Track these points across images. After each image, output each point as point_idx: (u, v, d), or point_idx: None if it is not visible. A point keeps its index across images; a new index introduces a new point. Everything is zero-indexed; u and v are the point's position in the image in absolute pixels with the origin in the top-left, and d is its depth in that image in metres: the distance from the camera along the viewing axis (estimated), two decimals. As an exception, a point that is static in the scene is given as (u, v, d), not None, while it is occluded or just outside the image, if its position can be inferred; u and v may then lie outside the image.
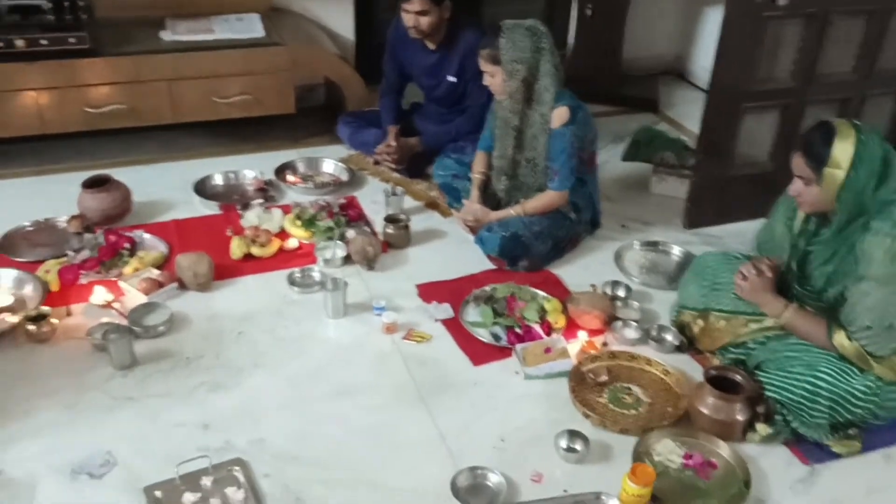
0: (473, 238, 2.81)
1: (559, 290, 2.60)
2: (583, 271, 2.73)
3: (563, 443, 1.99)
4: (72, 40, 2.99)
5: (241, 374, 2.20)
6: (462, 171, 2.99)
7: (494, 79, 2.66)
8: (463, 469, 1.89)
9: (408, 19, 3.00)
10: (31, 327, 2.26)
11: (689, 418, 2.09)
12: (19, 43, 2.94)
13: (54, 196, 2.94)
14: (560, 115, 2.63)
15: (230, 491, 1.83)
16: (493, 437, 2.04)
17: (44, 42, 2.96)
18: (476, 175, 2.88)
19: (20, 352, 2.24)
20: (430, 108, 3.35)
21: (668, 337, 2.40)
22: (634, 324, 2.43)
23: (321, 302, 2.46)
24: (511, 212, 2.74)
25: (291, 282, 2.58)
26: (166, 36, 3.24)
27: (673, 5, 4.30)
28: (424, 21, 2.99)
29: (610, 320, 2.44)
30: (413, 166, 3.24)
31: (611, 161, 3.45)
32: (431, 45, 3.13)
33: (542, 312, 2.45)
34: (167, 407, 2.08)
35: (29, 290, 2.45)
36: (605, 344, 2.39)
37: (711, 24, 4.09)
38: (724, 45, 2.69)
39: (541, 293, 2.53)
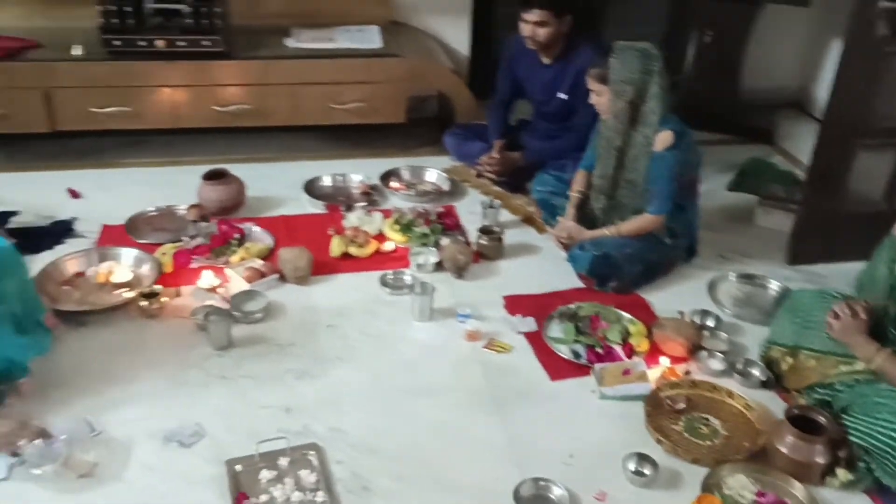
0: (566, 255, 2.83)
1: (646, 315, 2.58)
2: (673, 298, 2.69)
3: (632, 465, 1.99)
4: (206, 43, 3.23)
5: (327, 364, 2.32)
6: (560, 188, 3.01)
7: (601, 98, 2.68)
8: (527, 479, 1.92)
9: (525, 29, 3.06)
10: (144, 303, 2.45)
11: (766, 455, 2.03)
12: (160, 43, 3.20)
13: (178, 185, 3.16)
14: (664, 138, 2.62)
15: (304, 473, 1.93)
16: (562, 451, 2.05)
17: (181, 43, 3.21)
18: (574, 193, 2.90)
19: (131, 325, 2.44)
20: (539, 124, 3.39)
21: (755, 371, 2.34)
22: (720, 355, 2.39)
23: (409, 304, 2.55)
24: (605, 232, 2.74)
25: (384, 283, 2.68)
26: (291, 43, 3.44)
27: (797, 35, 4.16)
28: (542, 32, 3.03)
29: (695, 349, 2.41)
30: (514, 181, 3.29)
31: (716, 190, 3.38)
32: (547, 60, 3.17)
33: (626, 334, 2.44)
34: (256, 388, 2.21)
35: (146, 269, 2.66)
36: (687, 372, 2.35)
37: (836, 54, 3.94)
38: (841, 78, 2.61)
39: (626, 315, 2.52)
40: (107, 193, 3.17)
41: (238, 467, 1.94)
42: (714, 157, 3.56)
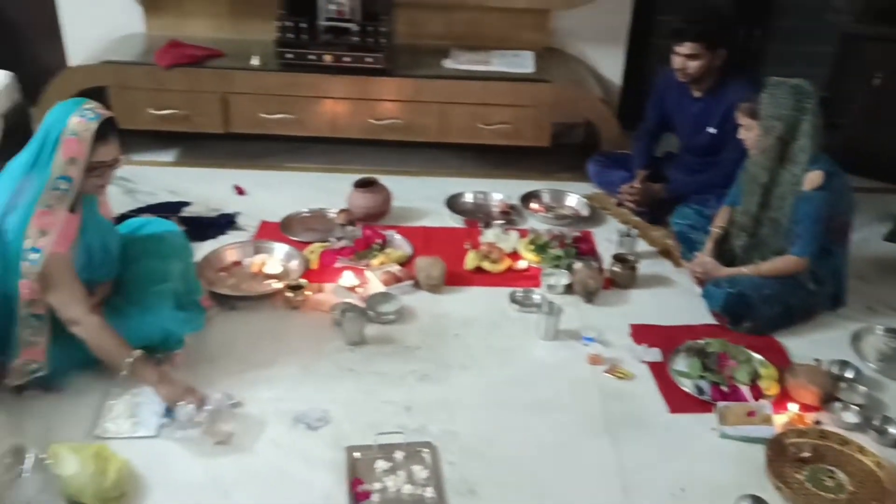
0: (701, 291, 2.79)
1: (780, 359, 2.49)
2: (812, 345, 2.58)
3: (745, 507, 1.94)
4: (369, 60, 3.44)
5: (449, 370, 2.40)
6: (700, 222, 2.97)
7: (749, 133, 2.64)
8: (634, 506, 1.93)
9: (676, 61, 3.06)
10: (289, 294, 2.65)
11: (894, 518, 1.93)
12: (327, 58, 3.44)
13: (331, 190, 3.38)
14: (813, 178, 2.54)
15: (416, 468, 2.02)
16: (673, 484, 2.03)
17: (347, 59, 3.44)
18: (715, 228, 2.85)
19: (276, 313, 2.63)
20: (685, 157, 3.36)
21: (892, 430, 2.21)
22: (856, 408, 2.27)
23: (535, 322, 2.59)
24: (744, 270, 2.68)
25: (513, 299, 2.74)
26: (448, 63, 3.60)
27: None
28: (693, 65, 3.02)
29: (828, 399, 2.30)
30: (655, 213, 3.26)
31: (871, 239, 3.21)
32: (697, 93, 3.15)
33: (755, 376, 2.38)
34: (381, 384, 2.33)
35: (294, 264, 2.86)
36: (817, 422, 2.25)
37: None
38: None
39: (757, 357, 2.45)
40: (268, 192, 3.43)
41: (356, 454, 2.06)
42: (872, 205, 3.39)
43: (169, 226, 2.60)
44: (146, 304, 2.25)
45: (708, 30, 2.97)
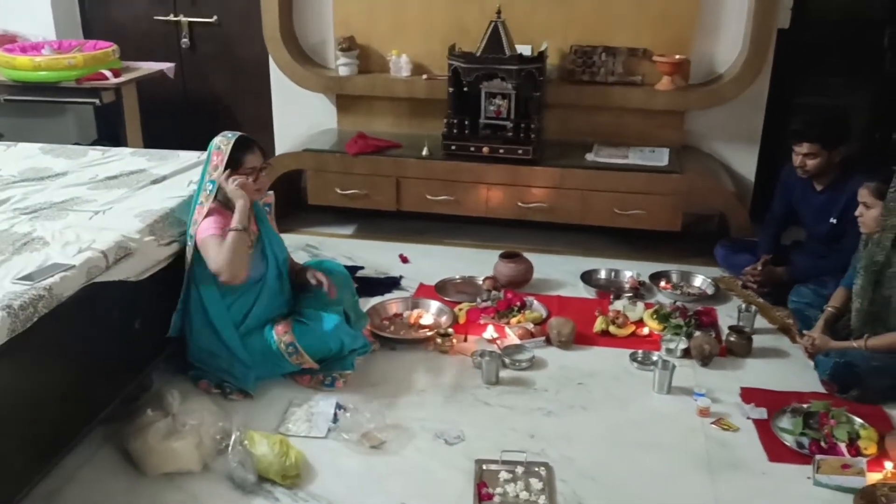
0: (813, 365, 3.00)
1: (884, 425, 2.66)
2: (919, 417, 2.73)
3: (829, 543, 2.14)
4: (520, 151, 3.98)
5: (570, 410, 2.77)
6: (817, 301, 3.19)
7: (870, 211, 2.88)
8: (723, 530, 2.19)
9: (796, 159, 3.37)
10: (439, 340, 3.14)
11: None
12: (485, 150, 4.02)
13: (481, 262, 3.89)
14: None
15: (533, 481, 2.39)
16: (763, 519, 2.27)
17: (501, 151, 4.01)
18: (829, 307, 3.06)
19: (427, 355, 3.12)
20: (809, 244, 3.60)
21: None
22: (953, 472, 2.41)
23: (652, 379, 2.91)
24: (854, 344, 2.87)
25: (633, 359, 3.08)
26: (590, 156, 4.08)
27: None
28: (811, 163, 3.32)
29: (926, 463, 2.45)
30: (777, 294, 3.50)
31: None
32: (819, 186, 3.42)
33: (854, 437, 2.56)
34: (510, 416, 2.73)
35: (444, 318, 3.36)
36: (914, 482, 2.41)
37: None
38: None
39: (858, 420, 2.64)
40: (428, 261, 4.00)
41: (484, 466, 2.46)
42: None
43: (340, 266, 3.24)
44: (325, 318, 2.83)
45: (824, 132, 3.28)
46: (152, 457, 2.41)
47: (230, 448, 2.41)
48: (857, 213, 2.92)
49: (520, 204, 4.07)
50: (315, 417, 2.69)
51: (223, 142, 2.81)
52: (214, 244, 2.69)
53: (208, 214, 2.74)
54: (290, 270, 3.04)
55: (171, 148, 3.56)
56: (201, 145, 3.49)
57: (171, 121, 4.83)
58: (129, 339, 2.66)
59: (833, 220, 3.39)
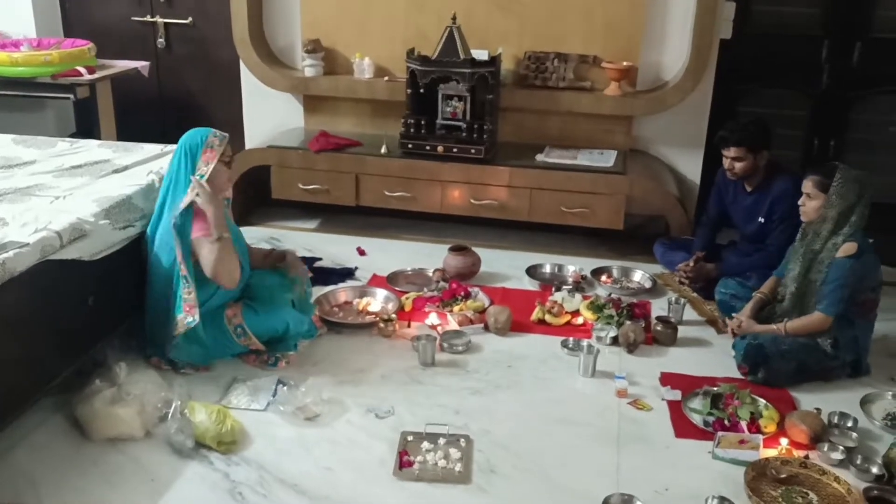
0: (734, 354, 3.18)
1: (787, 407, 2.84)
2: (821, 401, 2.89)
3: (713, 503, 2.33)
4: (473, 151, 4.17)
5: (496, 389, 2.96)
6: (743, 292, 3.38)
7: (812, 202, 3.05)
8: (618, 492, 2.37)
9: (725, 162, 3.58)
10: (382, 325, 3.32)
11: (847, 529, 2.24)
12: (440, 148, 4.21)
13: (433, 256, 4.07)
14: (847, 248, 2.95)
15: (452, 451, 2.57)
16: (659, 484, 2.45)
17: (455, 150, 4.20)
18: (758, 293, 3.25)
19: (370, 339, 3.31)
20: (741, 244, 3.81)
21: (873, 468, 2.51)
22: (843, 448, 2.59)
23: (578, 363, 3.10)
24: (773, 328, 3.06)
25: (564, 345, 3.26)
26: (540, 157, 4.27)
27: None
28: (738, 166, 3.53)
29: (818, 440, 2.63)
30: (710, 290, 3.69)
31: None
32: (749, 188, 3.63)
33: (757, 416, 2.75)
34: (440, 394, 2.92)
35: (391, 306, 3.55)
36: (805, 457, 2.59)
37: None
38: None
39: (762, 401, 2.82)
40: (383, 255, 4.18)
41: (409, 437, 2.64)
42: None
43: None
44: (275, 303, 3.04)
45: (747, 136, 3.49)
46: (97, 422, 2.59)
47: (170, 416, 2.59)
48: (799, 202, 3.10)
49: (473, 201, 4.26)
50: (256, 392, 2.87)
51: (216, 142, 2.95)
52: (207, 250, 2.86)
53: (197, 214, 2.90)
54: (252, 257, 3.23)
55: (145, 142, 3.74)
56: (173, 139, 3.69)
57: (146, 117, 5.02)
58: (83, 315, 2.85)
59: (761, 220, 3.59)
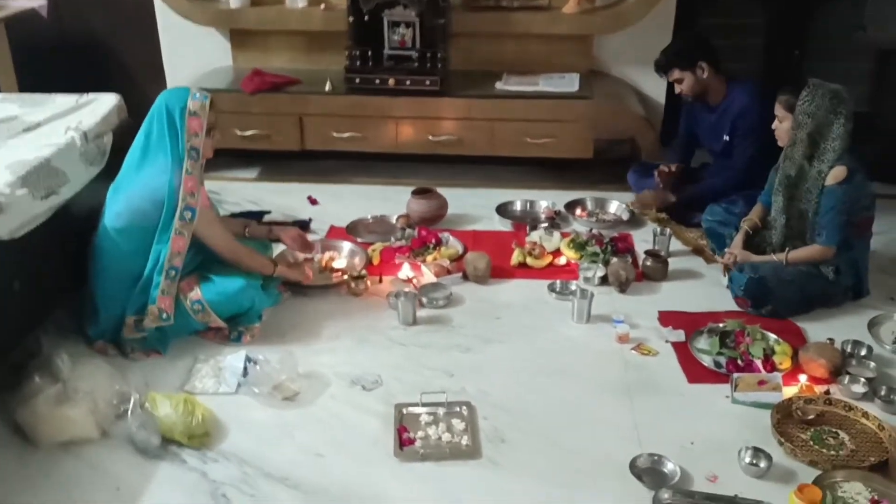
0: (727, 283, 3.01)
1: (796, 340, 2.69)
2: (829, 329, 2.76)
3: (747, 457, 2.15)
4: (428, 82, 3.83)
5: (487, 344, 2.71)
6: (729, 219, 3.18)
7: (782, 124, 2.87)
8: (644, 453, 2.17)
9: (675, 87, 3.42)
10: (353, 284, 3.01)
11: (887, 469, 2.11)
12: (391, 82, 3.85)
13: (392, 200, 3.75)
14: (836, 173, 2.76)
15: (455, 422, 2.32)
16: (684, 438, 2.26)
17: (407, 82, 3.84)
18: (745, 221, 3.06)
19: (340, 300, 2.99)
20: (713, 164, 3.62)
21: (898, 399, 2.39)
22: (864, 380, 2.45)
23: (570, 309, 2.87)
24: (773, 258, 2.88)
25: (551, 289, 3.03)
26: (499, 85, 3.95)
27: None
28: (684, 87, 3.39)
29: (837, 373, 2.49)
30: (683, 215, 3.51)
31: (896, 233, 3.38)
32: (711, 104, 3.43)
33: (769, 353, 2.59)
34: (427, 356, 2.65)
35: (357, 260, 3.22)
36: (827, 392, 2.45)
37: None
38: None
39: (772, 336, 2.66)
40: (337, 203, 3.83)
41: (404, 410, 2.37)
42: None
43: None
44: (235, 276, 2.66)
45: (672, 57, 3.35)
46: (44, 426, 2.23)
47: (129, 412, 2.24)
48: (773, 126, 2.90)
49: (430, 138, 3.93)
50: (223, 373, 2.53)
51: (198, 105, 2.59)
52: (219, 225, 2.73)
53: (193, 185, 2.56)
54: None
55: (50, 92, 3.24)
56: (82, 88, 3.20)
57: (48, 64, 4.44)
58: (8, 302, 2.44)
59: (726, 137, 3.42)
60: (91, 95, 3.17)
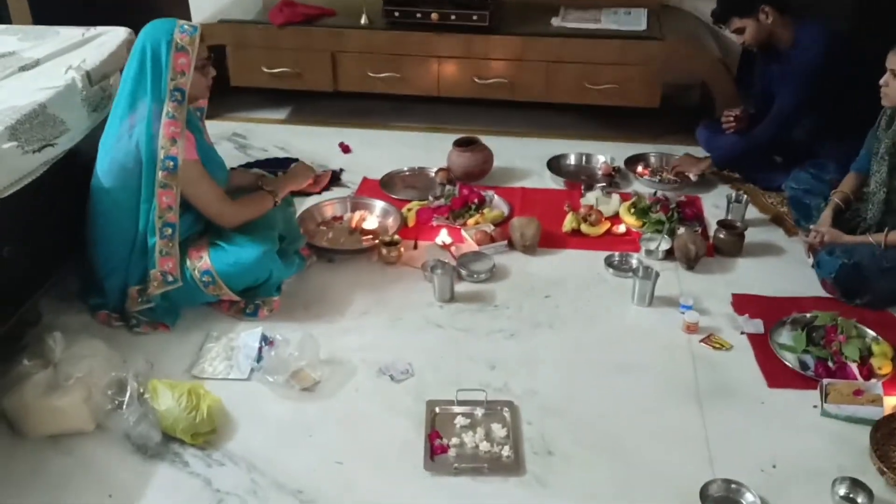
0: (812, 263, 2.61)
1: (896, 337, 2.31)
2: (934, 324, 2.38)
3: (842, 490, 1.81)
4: (475, 17, 3.39)
5: (536, 329, 2.37)
6: (818, 187, 2.76)
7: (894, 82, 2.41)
8: (718, 478, 1.84)
9: (737, 38, 2.96)
10: (384, 250, 2.68)
11: None
12: (434, 16, 3.42)
13: (432, 149, 3.39)
14: None
15: (495, 427, 2.01)
16: (763, 459, 1.93)
17: (453, 17, 3.41)
18: (837, 194, 2.64)
19: (371, 267, 2.67)
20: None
21: None
22: (982, 393, 2.08)
23: (630, 288, 2.51)
24: (869, 239, 2.46)
25: (609, 263, 2.66)
26: (556, 21, 3.50)
27: None
28: (746, 37, 2.92)
29: (949, 381, 2.12)
30: (763, 177, 3.10)
31: None
32: (781, 52, 2.95)
33: (866, 353, 2.21)
34: (466, 341, 2.33)
35: (391, 220, 2.89)
36: (937, 406, 2.08)
37: None
38: None
39: (871, 333, 2.28)
40: (372, 150, 3.48)
41: (437, 409, 2.07)
42: None
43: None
44: (250, 244, 2.33)
45: (730, 5, 2.89)
46: (31, 417, 1.98)
47: (125, 403, 1.98)
48: (881, 81, 2.44)
49: (476, 80, 3.52)
50: (235, 354, 2.25)
51: (187, 40, 2.21)
52: (206, 182, 2.32)
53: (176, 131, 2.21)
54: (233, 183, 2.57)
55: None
56: (99, 21, 2.86)
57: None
58: (-2, 271, 2.17)
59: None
60: (99, 29, 2.82)
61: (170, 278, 2.27)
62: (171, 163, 2.20)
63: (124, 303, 2.34)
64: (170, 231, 2.25)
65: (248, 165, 3.30)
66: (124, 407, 1.97)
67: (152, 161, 2.19)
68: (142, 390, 2.02)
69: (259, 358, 2.21)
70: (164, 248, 2.25)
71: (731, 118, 3.10)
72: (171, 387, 2.03)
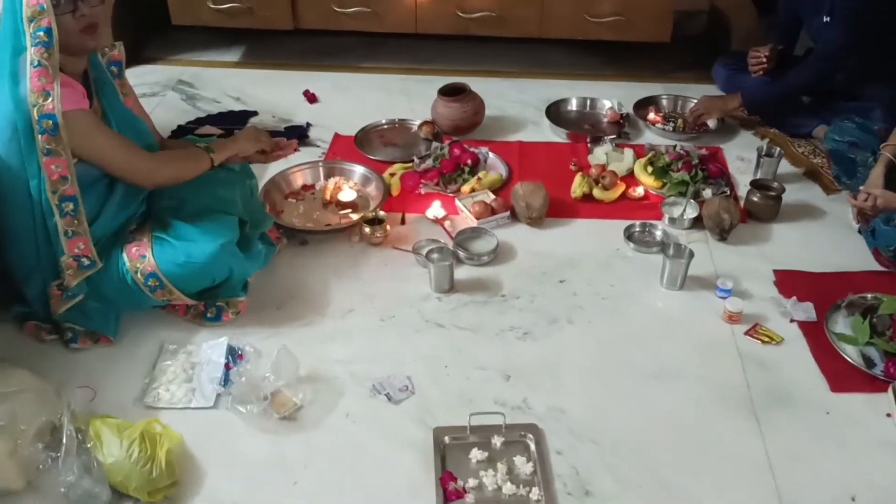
0: (859, 227, 2.28)
1: (969, 321, 2.00)
2: None
3: (938, 528, 1.53)
4: (457, -61, 2.91)
5: (553, 325, 2.01)
6: (865, 139, 2.39)
7: None
8: (789, 520, 1.54)
9: None
10: (368, 229, 2.28)
11: None
12: (408, -63, 2.92)
13: (413, 95, 2.98)
14: None
15: (519, 461, 1.67)
16: (839, 487, 1.62)
17: (431, -62, 2.92)
18: (888, 147, 2.27)
19: (352, 250, 2.27)
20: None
21: None
22: None
23: (657, 265, 2.15)
24: None
25: (629, 236, 2.30)
26: (550, -58, 3.03)
27: None
28: None
29: None
30: (792, 123, 2.73)
31: None
32: None
33: (938, 346, 1.90)
34: (473, 343, 1.96)
35: (372, 188, 2.48)
36: None
37: None
38: None
39: (943, 320, 1.97)
40: (342, 98, 3.04)
41: (447, 439, 1.72)
42: None
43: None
44: (202, 236, 1.89)
45: None
46: (-57, 477, 1.58)
47: (62, 455, 1.59)
48: None
49: (459, 13, 3.06)
50: (197, 373, 1.86)
51: None
52: (108, 135, 1.85)
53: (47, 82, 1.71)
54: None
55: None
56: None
57: None
58: None
59: (826, 18, 2.55)
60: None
61: (85, 262, 1.83)
62: (50, 122, 1.71)
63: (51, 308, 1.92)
64: (71, 206, 1.78)
65: (199, 121, 2.84)
66: (60, 462, 1.59)
67: (26, 123, 1.71)
68: (80, 437, 1.63)
69: (226, 378, 1.83)
70: (69, 227, 1.80)
71: (762, 58, 2.69)
72: (119, 430, 1.64)
